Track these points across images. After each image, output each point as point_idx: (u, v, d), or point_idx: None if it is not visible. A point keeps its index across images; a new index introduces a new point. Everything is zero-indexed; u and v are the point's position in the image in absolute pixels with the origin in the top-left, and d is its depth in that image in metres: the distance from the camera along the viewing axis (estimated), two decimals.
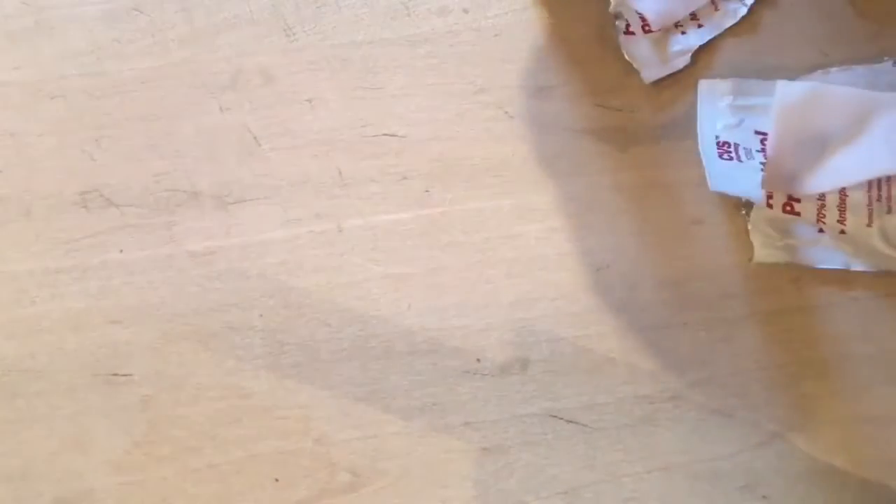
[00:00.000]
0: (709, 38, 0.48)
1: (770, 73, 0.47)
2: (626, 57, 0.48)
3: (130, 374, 0.44)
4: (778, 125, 0.45)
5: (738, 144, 0.46)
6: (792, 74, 0.47)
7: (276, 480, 0.44)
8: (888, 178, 0.46)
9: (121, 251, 0.46)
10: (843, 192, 0.46)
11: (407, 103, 0.48)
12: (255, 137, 0.47)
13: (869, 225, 0.45)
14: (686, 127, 0.47)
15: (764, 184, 0.45)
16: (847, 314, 0.45)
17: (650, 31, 0.48)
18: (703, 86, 0.47)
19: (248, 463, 0.44)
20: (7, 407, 0.44)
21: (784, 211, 0.45)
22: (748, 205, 0.46)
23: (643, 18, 0.48)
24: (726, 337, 0.45)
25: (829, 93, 0.45)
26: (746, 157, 0.46)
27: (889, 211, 0.45)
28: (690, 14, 0.48)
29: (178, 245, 0.46)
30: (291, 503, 0.43)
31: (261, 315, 0.45)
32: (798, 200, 0.46)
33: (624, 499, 0.44)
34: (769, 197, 0.45)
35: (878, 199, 0.45)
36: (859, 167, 0.44)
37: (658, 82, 0.48)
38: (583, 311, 0.45)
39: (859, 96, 0.45)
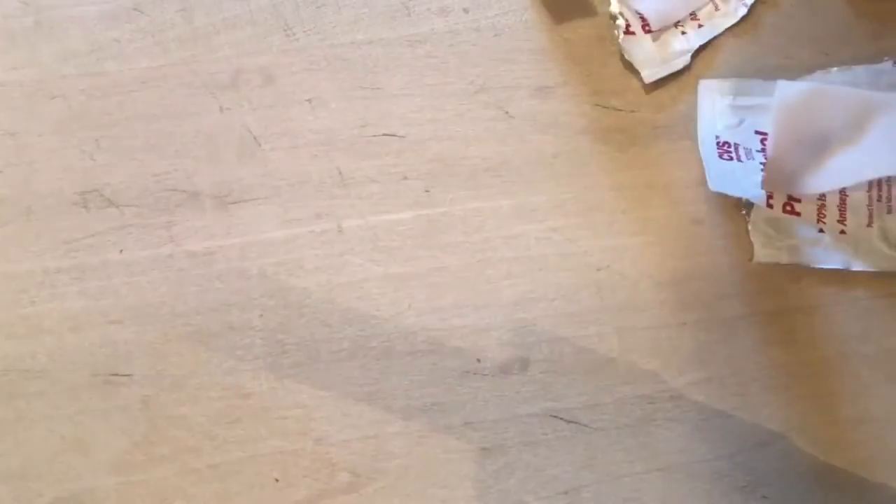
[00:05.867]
0: (709, 38, 0.48)
1: (770, 73, 0.47)
2: (626, 57, 0.48)
3: (130, 374, 0.44)
4: (778, 125, 0.45)
5: (739, 144, 0.46)
6: (792, 74, 0.47)
7: (276, 480, 0.44)
8: (888, 178, 0.46)
9: (121, 251, 0.46)
10: (843, 192, 0.46)
11: (407, 103, 0.48)
12: (255, 137, 0.47)
13: (869, 225, 0.45)
14: (686, 127, 0.47)
15: (764, 184, 0.45)
16: (847, 314, 0.45)
17: (650, 31, 0.48)
18: (703, 86, 0.47)
19: (248, 463, 0.44)
20: (7, 407, 0.44)
21: (784, 211, 0.45)
22: (748, 205, 0.46)
23: (643, 18, 0.48)
24: (726, 337, 0.45)
25: (829, 93, 0.45)
26: (746, 157, 0.46)
27: (889, 211, 0.45)
28: (690, 14, 0.48)
29: (178, 245, 0.46)
30: (291, 503, 0.43)
31: (261, 315, 0.45)
32: (798, 200, 0.46)
33: (624, 499, 0.44)
34: (769, 197, 0.45)
35: (878, 199, 0.45)
36: (859, 167, 0.44)
37: (658, 82, 0.48)
38: (583, 311, 0.45)
39: (859, 96, 0.45)
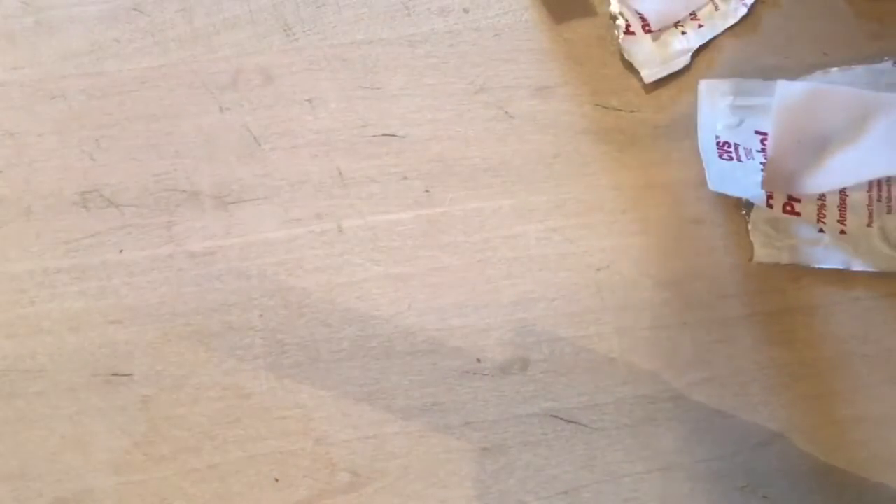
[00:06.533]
0: (709, 38, 0.48)
1: (770, 73, 0.47)
2: (626, 57, 0.48)
3: (130, 374, 0.44)
4: (778, 125, 0.45)
5: (739, 144, 0.46)
6: (792, 74, 0.47)
7: (276, 480, 0.44)
8: (888, 178, 0.46)
9: (121, 251, 0.46)
10: (843, 192, 0.46)
11: (407, 103, 0.48)
12: (255, 137, 0.47)
13: (869, 225, 0.45)
14: (686, 127, 0.47)
15: (764, 184, 0.45)
16: (847, 314, 0.45)
17: (650, 31, 0.48)
18: (704, 86, 0.47)
19: (248, 463, 0.44)
20: (7, 407, 0.44)
21: (784, 211, 0.45)
22: (748, 205, 0.46)
23: (643, 18, 0.48)
24: (726, 337, 0.45)
25: (829, 93, 0.45)
26: (746, 157, 0.46)
27: (889, 211, 0.45)
28: (690, 14, 0.48)
29: (178, 245, 0.46)
30: (291, 503, 0.43)
31: (261, 315, 0.45)
32: (798, 200, 0.46)
33: (624, 499, 0.44)
34: (769, 197, 0.45)
35: (878, 199, 0.45)
36: (859, 167, 0.44)
37: (658, 82, 0.48)
38: (583, 311, 0.45)
39: (859, 96, 0.45)
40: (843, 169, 0.44)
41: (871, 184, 0.46)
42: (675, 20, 0.48)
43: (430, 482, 0.44)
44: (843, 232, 0.45)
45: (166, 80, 0.48)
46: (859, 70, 0.47)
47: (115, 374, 0.44)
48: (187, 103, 0.47)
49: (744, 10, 0.48)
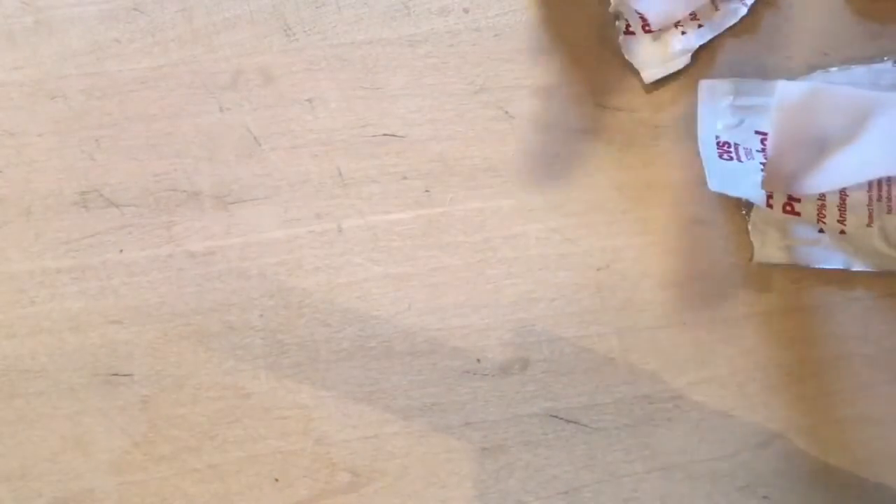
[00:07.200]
0: (709, 38, 0.48)
1: (770, 73, 0.47)
2: (626, 57, 0.48)
3: (130, 374, 0.44)
4: (778, 125, 0.45)
5: (739, 144, 0.46)
6: (792, 74, 0.47)
7: (276, 480, 0.44)
8: (888, 178, 0.46)
9: (121, 251, 0.46)
10: (843, 192, 0.46)
11: (407, 103, 0.48)
12: (255, 137, 0.47)
13: (869, 225, 0.45)
14: (686, 127, 0.47)
15: (764, 184, 0.45)
16: (847, 314, 0.45)
17: (650, 31, 0.48)
18: (704, 86, 0.47)
19: (248, 463, 0.44)
20: (7, 407, 0.44)
21: (784, 211, 0.45)
22: (748, 205, 0.46)
23: (643, 18, 0.48)
24: (726, 337, 0.45)
25: (829, 93, 0.45)
26: (746, 157, 0.46)
27: (889, 211, 0.45)
28: (690, 14, 0.48)
29: (178, 245, 0.46)
30: (291, 503, 0.43)
31: (261, 315, 0.45)
32: (798, 200, 0.46)
33: (624, 499, 0.44)
34: (769, 197, 0.45)
35: (878, 199, 0.45)
36: (859, 167, 0.44)
37: (658, 82, 0.48)
38: (583, 311, 0.45)
39: (859, 96, 0.45)
40: (843, 169, 0.44)
41: (871, 184, 0.46)
42: (675, 20, 0.48)
43: (430, 482, 0.44)
44: (843, 232, 0.45)
45: (166, 80, 0.48)
46: (859, 70, 0.47)
47: (115, 374, 0.44)
48: (187, 103, 0.47)
49: (744, 10, 0.48)
